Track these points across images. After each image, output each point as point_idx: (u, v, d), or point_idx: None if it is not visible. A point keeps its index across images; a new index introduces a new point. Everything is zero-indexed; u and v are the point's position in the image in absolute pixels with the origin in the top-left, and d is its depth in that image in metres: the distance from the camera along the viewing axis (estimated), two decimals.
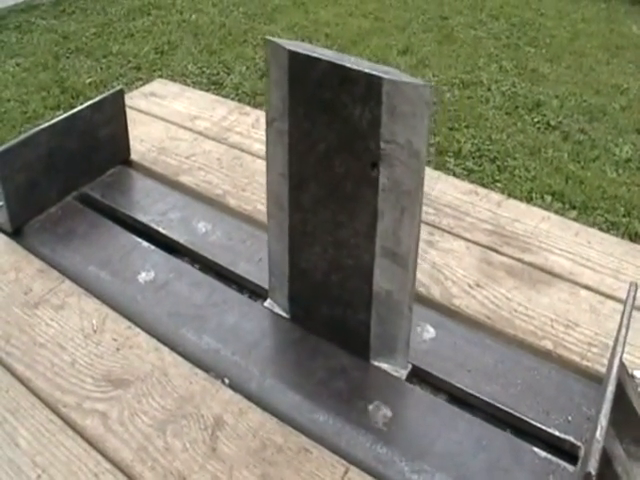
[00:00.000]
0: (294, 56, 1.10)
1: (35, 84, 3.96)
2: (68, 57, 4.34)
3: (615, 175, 3.24)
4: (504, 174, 3.21)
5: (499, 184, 3.11)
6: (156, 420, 1.15)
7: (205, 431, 1.13)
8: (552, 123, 3.66)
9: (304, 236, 1.26)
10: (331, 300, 1.29)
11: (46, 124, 1.59)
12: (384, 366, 1.27)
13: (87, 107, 1.67)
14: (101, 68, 4.21)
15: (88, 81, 4.03)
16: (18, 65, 4.20)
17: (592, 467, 0.87)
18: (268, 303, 1.40)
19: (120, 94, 1.76)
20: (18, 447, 1.10)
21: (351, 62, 1.06)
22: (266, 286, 1.40)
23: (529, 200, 2.93)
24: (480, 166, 3.26)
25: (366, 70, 1.03)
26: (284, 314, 1.38)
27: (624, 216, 2.95)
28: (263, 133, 1.91)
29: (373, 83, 1.03)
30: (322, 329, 1.32)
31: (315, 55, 1.08)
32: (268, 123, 1.22)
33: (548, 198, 3.04)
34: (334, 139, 1.13)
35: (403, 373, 1.26)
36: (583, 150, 3.43)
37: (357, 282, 1.22)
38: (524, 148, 3.42)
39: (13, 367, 1.24)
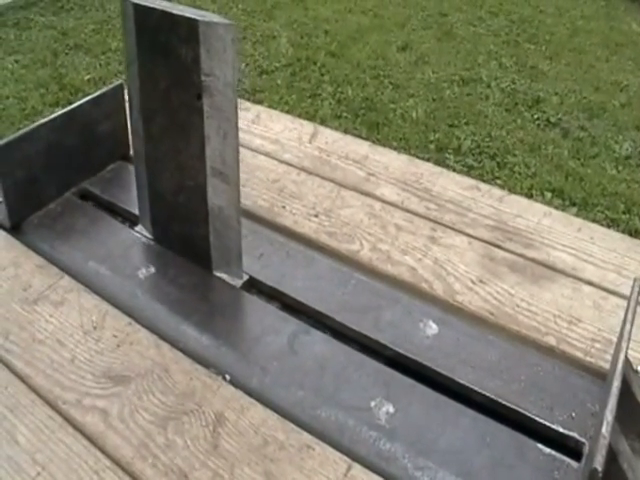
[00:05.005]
0: (136, 7, 1.30)
1: (34, 81, 3.95)
2: (67, 54, 4.32)
3: (615, 172, 3.23)
4: (504, 171, 3.20)
5: (499, 181, 3.10)
6: (157, 416, 1.14)
7: (206, 428, 1.12)
8: (552, 120, 3.65)
9: (156, 163, 1.46)
10: (180, 219, 1.48)
11: (45, 119, 1.57)
12: (223, 276, 1.44)
13: (86, 102, 1.66)
14: (100, 65, 4.19)
15: (87, 78, 4.01)
16: (17, 62, 4.18)
17: (598, 463, 0.86)
18: (139, 228, 1.58)
19: (120, 88, 1.74)
20: (17, 444, 1.09)
21: (178, 9, 1.25)
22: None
23: (529, 197, 2.92)
24: (480, 163, 3.25)
25: (187, 15, 1.22)
26: (150, 236, 1.55)
27: (624, 213, 2.94)
28: (263, 129, 1.92)
29: (192, 25, 1.21)
30: (176, 246, 1.50)
31: (151, 5, 1.27)
32: (126, 68, 1.42)
33: (548, 195, 3.03)
34: (170, 76, 1.32)
35: (239, 282, 1.43)
36: (583, 147, 3.42)
37: (196, 201, 1.40)
38: (524, 145, 3.41)
39: (12, 364, 1.23)
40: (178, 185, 1.43)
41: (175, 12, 1.24)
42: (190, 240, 1.47)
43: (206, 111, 1.28)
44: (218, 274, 1.45)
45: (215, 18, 1.22)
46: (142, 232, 1.56)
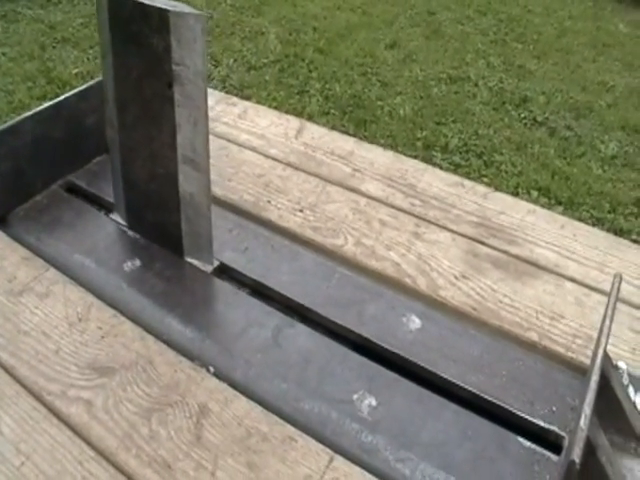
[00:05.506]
0: None
1: (21, 74, 3.93)
2: (54, 47, 4.30)
3: (601, 172, 3.24)
4: (491, 169, 3.21)
5: (485, 179, 3.11)
6: (141, 408, 1.15)
7: (190, 419, 1.13)
8: (539, 119, 3.66)
9: (130, 151, 1.49)
10: (153, 206, 1.50)
11: (31, 112, 1.57)
12: (195, 262, 1.48)
13: (73, 95, 1.66)
14: (88, 59, 4.17)
15: (75, 72, 3.99)
16: (4, 55, 4.15)
17: (576, 455, 0.87)
18: (114, 215, 1.60)
19: None
20: (2, 435, 1.10)
21: (150, 0, 1.28)
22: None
23: (515, 195, 2.93)
24: (467, 161, 3.26)
25: (158, 5, 1.25)
26: (124, 223, 1.57)
27: (609, 212, 2.96)
28: (250, 124, 1.92)
29: (163, 16, 1.24)
30: (150, 233, 1.53)
31: None
32: (102, 58, 1.45)
33: (534, 193, 3.04)
34: (142, 66, 1.34)
35: (209, 268, 1.47)
36: (569, 146, 3.43)
37: (168, 188, 1.42)
38: (511, 143, 3.42)
39: None
40: (150, 173, 1.45)
41: (147, 3, 1.26)
42: (162, 227, 1.49)
43: (177, 100, 1.31)
44: (189, 260, 1.48)
45: (186, 9, 1.25)
46: (117, 219, 1.58)
